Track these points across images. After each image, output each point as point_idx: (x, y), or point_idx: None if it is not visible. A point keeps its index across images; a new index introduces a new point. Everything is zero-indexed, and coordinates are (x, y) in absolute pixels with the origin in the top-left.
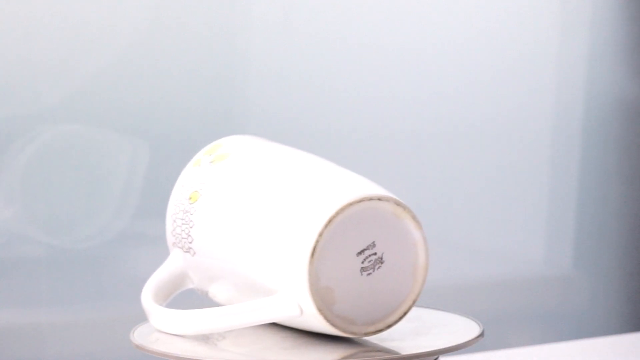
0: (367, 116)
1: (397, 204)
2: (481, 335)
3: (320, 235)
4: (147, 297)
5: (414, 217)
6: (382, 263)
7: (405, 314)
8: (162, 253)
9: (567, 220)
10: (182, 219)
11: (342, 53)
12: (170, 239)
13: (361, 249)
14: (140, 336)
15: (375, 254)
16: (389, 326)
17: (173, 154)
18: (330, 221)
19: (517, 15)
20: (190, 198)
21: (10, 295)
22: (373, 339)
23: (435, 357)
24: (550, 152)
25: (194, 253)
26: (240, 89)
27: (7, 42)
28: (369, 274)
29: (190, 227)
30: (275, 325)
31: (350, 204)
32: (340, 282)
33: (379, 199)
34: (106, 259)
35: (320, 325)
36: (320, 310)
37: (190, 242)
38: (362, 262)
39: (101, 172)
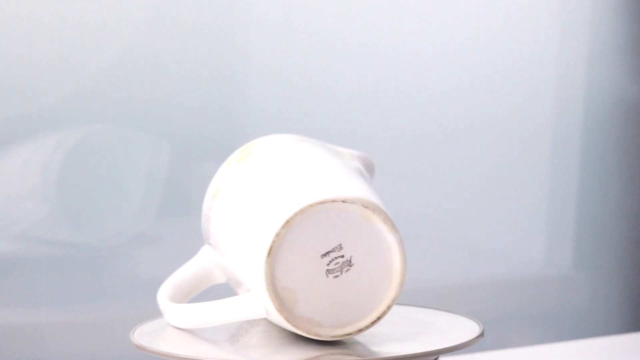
0: (367, 116)
1: (365, 206)
2: (481, 335)
3: (277, 235)
4: (163, 292)
5: (385, 220)
6: (350, 266)
7: (378, 318)
8: (162, 253)
9: (567, 220)
10: (206, 215)
11: (342, 53)
12: (203, 234)
13: (326, 251)
14: (140, 336)
15: (342, 256)
16: (360, 330)
17: (173, 154)
18: (287, 222)
19: (517, 15)
20: (213, 195)
21: (10, 295)
22: (373, 338)
23: (435, 357)
24: (550, 152)
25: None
26: (240, 89)
27: (7, 42)
28: (335, 277)
29: (209, 224)
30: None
31: (311, 206)
32: (303, 284)
33: (344, 201)
34: (106, 259)
35: (285, 325)
36: (279, 310)
37: (209, 238)
38: (328, 265)
39: (100, 172)
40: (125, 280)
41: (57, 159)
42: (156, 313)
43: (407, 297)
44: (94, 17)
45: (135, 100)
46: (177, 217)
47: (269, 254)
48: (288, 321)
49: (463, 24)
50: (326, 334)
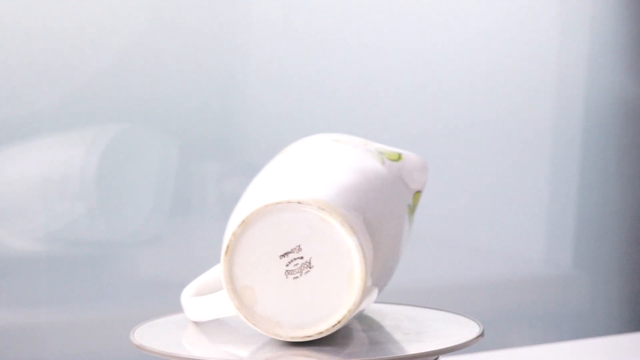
0: (367, 116)
1: (322, 208)
2: (481, 335)
3: (234, 234)
4: (187, 291)
5: (343, 223)
6: (310, 268)
7: (339, 322)
8: (162, 253)
9: (567, 220)
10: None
11: (342, 53)
12: None
13: (285, 251)
14: (140, 336)
15: (301, 258)
16: (320, 333)
17: (173, 154)
18: (243, 222)
19: (517, 15)
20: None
21: (10, 295)
22: (373, 339)
23: (435, 357)
24: (551, 152)
25: None
26: (240, 89)
27: (7, 42)
28: (295, 278)
29: None
30: None
31: (266, 206)
32: (262, 283)
33: (299, 202)
34: (106, 259)
35: (246, 323)
36: (239, 308)
37: None
38: (287, 265)
39: (100, 172)
40: (125, 280)
41: (57, 160)
42: (156, 313)
43: (408, 297)
44: (94, 17)
45: (135, 100)
46: (177, 217)
47: (226, 252)
48: (248, 319)
49: (463, 24)
50: (286, 335)
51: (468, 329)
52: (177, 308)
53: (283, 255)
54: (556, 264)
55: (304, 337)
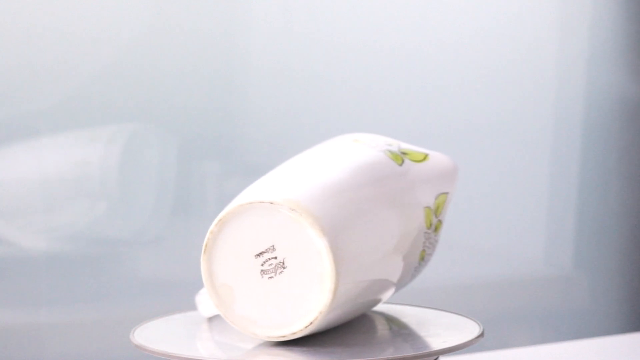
0: (367, 116)
1: (293, 208)
2: (481, 335)
3: (211, 233)
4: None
5: (313, 224)
6: (284, 268)
7: (311, 324)
8: (162, 253)
9: (567, 220)
10: None
11: (342, 53)
12: None
13: (260, 251)
14: (140, 336)
15: (275, 258)
16: (294, 334)
17: (173, 155)
18: (220, 220)
19: (517, 15)
20: None
21: (10, 295)
22: (373, 339)
23: (435, 357)
24: (550, 152)
25: None
26: (240, 89)
27: (7, 42)
28: (270, 278)
29: None
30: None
31: (241, 206)
32: (239, 282)
33: (271, 203)
34: (106, 259)
35: (226, 321)
36: (218, 306)
37: None
38: (262, 265)
39: (100, 172)
40: (125, 280)
41: (57, 160)
42: (156, 313)
43: (408, 297)
44: (95, 17)
45: (135, 100)
46: (177, 217)
47: (204, 250)
48: (226, 317)
49: (463, 24)
50: (262, 334)
51: (468, 329)
52: (177, 308)
53: (258, 255)
54: (556, 264)
55: (279, 337)
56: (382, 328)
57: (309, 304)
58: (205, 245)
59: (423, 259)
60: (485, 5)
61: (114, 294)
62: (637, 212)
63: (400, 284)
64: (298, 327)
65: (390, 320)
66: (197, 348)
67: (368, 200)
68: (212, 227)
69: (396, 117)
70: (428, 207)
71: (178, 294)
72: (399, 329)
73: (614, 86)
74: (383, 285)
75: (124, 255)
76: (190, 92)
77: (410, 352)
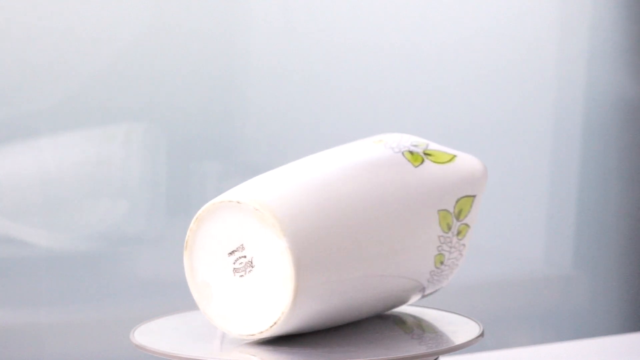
0: (367, 116)
1: (256, 208)
2: (481, 335)
3: (190, 230)
4: None
5: (275, 225)
6: (252, 267)
7: (275, 323)
8: (162, 253)
9: (567, 220)
10: None
11: (342, 53)
12: None
13: (232, 250)
14: (140, 336)
15: (245, 256)
16: (261, 333)
17: (173, 155)
18: (197, 218)
19: (517, 15)
20: None
21: (10, 295)
22: (373, 339)
23: (435, 357)
24: (550, 152)
25: None
26: (240, 89)
27: (7, 42)
28: (241, 276)
29: None
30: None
31: (213, 204)
32: (216, 279)
33: (238, 202)
34: (106, 259)
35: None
36: (198, 301)
37: None
38: (234, 263)
39: (101, 172)
40: (125, 280)
41: (56, 160)
42: (156, 313)
43: None
44: (95, 17)
45: (135, 100)
46: (177, 217)
47: (185, 247)
48: (205, 313)
49: (463, 24)
50: (235, 332)
51: (468, 329)
52: (177, 308)
53: (231, 253)
54: (556, 264)
55: (248, 335)
56: (382, 328)
57: (274, 304)
58: (186, 243)
59: (443, 263)
60: (485, 5)
61: (114, 294)
62: (637, 212)
63: (405, 288)
64: (264, 326)
65: (391, 320)
66: (197, 348)
67: (347, 201)
68: (191, 224)
69: (396, 116)
70: (445, 210)
71: (178, 294)
72: (399, 329)
73: (614, 86)
74: (369, 287)
75: (124, 255)
76: (190, 92)
77: (410, 352)
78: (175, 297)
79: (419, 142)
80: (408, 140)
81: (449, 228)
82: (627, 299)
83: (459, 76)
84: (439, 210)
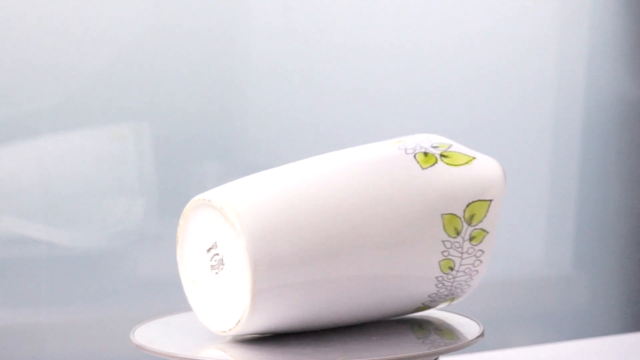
0: (367, 116)
1: (221, 207)
2: (481, 335)
3: (180, 226)
4: None
5: (235, 223)
6: (223, 265)
7: (238, 322)
8: (162, 253)
9: (567, 220)
10: None
11: (342, 53)
12: None
13: (209, 247)
14: (140, 336)
15: (218, 254)
16: (230, 330)
17: (173, 154)
18: (183, 215)
19: (517, 15)
20: None
21: (10, 295)
22: (373, 339)
23: (435, 357)
24: (551, 152)
25: None
26: (240, 89)
27: (7, 42)
28: (216, 273)
29: None
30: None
31: (192, 202)
32: (199, 276)
33: (209, 200)
34: (106, 259)
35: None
36: (188, 297)
37: None
38: (211, 260)
39: (101, 172)
40: (125, 280)
41: (56, 160)
42: (156, 313)
43: None
44: (94, 17)
45: (135, 100)
46: (177, 217)
47: (177, 242)
48: (194, 310)
49: (463, 24)
50: (214, 328)
51: (468, 329)
52: (177, 308)
53: (208, 250)
54: (556, 264)
55: (222, 332)
56: (382, 328)
57: (238, 303)
58: (177, 239)
59: (452, 268)
60: (485, 5)
61: (114, 294)
62: (637, 212)
63: (405, 294)
64: (231, 324)
65: (391, 320)
66: (197, 348)
67: (324, 203)
68: (180, 220)
69: (396, 116)
70: (451, 214)
71: (178, 294)
72: (399, 329)
73: (614, 86)
74: (353, 291)
75: (124, 255)
76: (190, 92)
77: (410, 352)
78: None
79: (441, 143)
80: (429, 141)
81: (457, 233)
82: (627, 299)
83: (459, 76)
84: (443, 214)
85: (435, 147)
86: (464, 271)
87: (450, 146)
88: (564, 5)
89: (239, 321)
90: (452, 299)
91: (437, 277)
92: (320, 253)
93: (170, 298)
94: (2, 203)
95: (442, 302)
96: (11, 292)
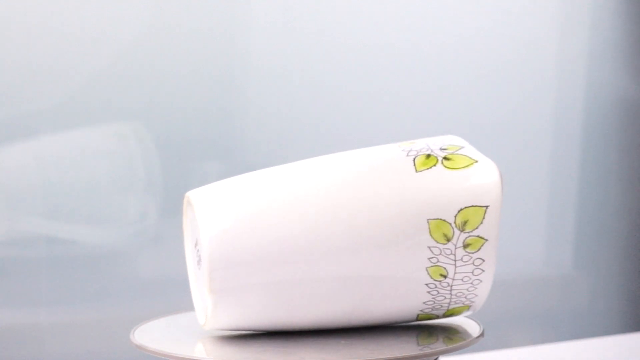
0: (367, 116)
1: (189, 204)
2: (481, 335)
3: (184, 222)
4: None
5: (202, 224)
6: (201, 260)
7: (207, 318)
8: (162, 253)
9: (567, 220)
10: None
11: (342, 53)
12: None
13: (194, 242)
14: (140, 336)
15: (198, 250)
16: (204, 325)
17: (174, 154)
18: (183, 211)
19: (517, 15)
20: None
21: (10, 295)
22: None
23: (435, 357)
24: (551, 152)
25: None
26: (240, 89)
27: (7, 42)
28: (199, 269)
29: None
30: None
31: (184, 199)
32: (192, 271)
33: (188, 197)
34: (106, 259)
35: None
36: (192, 291)
37: None
38: (196, 255)
39: (100, 172)
40: (125, 280)
41: (55, 160)
42: (156, 313)
43: None
44: (94, 17)
45: (136, 100)
46: (177, 217)
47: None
48: (194, 303)
49: (463, 24)
50: (200, 322)
51: (468, 329)
52: (177, 308)
53: (194, 246)
54: (556, 264)
55: (203, 325)
56: (381, 328)
57: (205, 299)
58: (183, 234)
59: (445, 276)
60: (485, 6)
61: (114, 294)
62: (637, 212)
63: (387, 299)
64: (204, 319)
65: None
66: (197, 348)
67: (296, 204)
68: (182, 217)
69: (396, 116)
70: (439, 220)
71: (178, 294)
72: (399, 329)
73: (614, 86)
74: (322, 292)
75: (124, 255)
76: (190, 92)
77: (410, 352)
78: (175, 297)
79: (452, 145)
80: (442, 142)
81: (447, 239)
82: (627, 299)
83: (459, 76)
84: (429, 219)
85: (443, 149)
86: (461, 279)
87: (460, 148)
88: (564, 5)
89: (207, 317)
90: (463, 308)
91: (427, 284)
92: (282, 254)
93: (170, 298)
94: (2, 203)
95: (447, 311)
96: (11, 292)
